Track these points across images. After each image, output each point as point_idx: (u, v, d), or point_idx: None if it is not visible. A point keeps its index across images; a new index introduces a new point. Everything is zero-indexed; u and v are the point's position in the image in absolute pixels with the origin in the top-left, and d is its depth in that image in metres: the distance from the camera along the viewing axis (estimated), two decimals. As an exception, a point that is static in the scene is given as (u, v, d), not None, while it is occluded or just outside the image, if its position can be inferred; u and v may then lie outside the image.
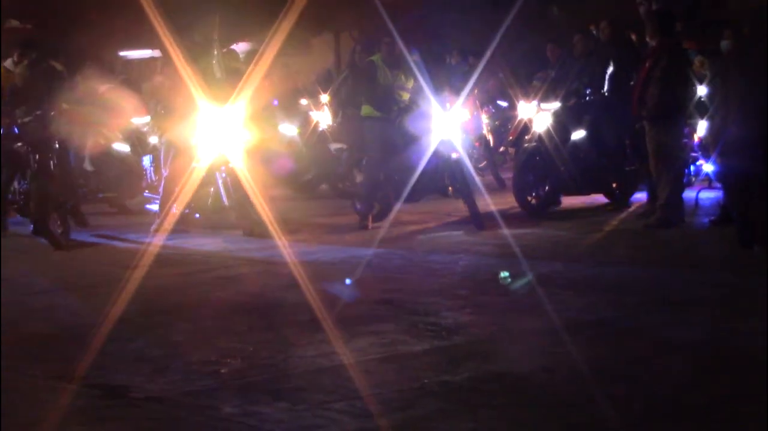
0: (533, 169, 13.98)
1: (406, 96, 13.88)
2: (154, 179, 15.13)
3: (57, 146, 13.52)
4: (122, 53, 22.83)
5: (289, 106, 16.93)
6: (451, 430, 5.71)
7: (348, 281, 12.93)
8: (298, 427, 5.86)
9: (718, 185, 13.38)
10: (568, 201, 14.50)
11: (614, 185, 14.50)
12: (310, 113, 17.08)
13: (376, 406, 6.05)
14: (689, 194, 13.38)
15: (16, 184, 14.05)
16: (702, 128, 13.71)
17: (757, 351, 6.82)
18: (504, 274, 10.16)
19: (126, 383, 6.81)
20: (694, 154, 14.52)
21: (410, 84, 13.91)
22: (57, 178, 13.17)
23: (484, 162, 18.48)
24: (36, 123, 13.19)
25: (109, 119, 15.72)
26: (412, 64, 13.75)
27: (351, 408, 6.06)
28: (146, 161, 15.45)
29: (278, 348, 7.56)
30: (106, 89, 15.79)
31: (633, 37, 14.49)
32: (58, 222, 13.13)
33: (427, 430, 5.74)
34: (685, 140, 13.80)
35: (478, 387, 6.43)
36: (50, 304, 9.49)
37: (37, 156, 13.19)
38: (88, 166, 15.77)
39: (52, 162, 13.08)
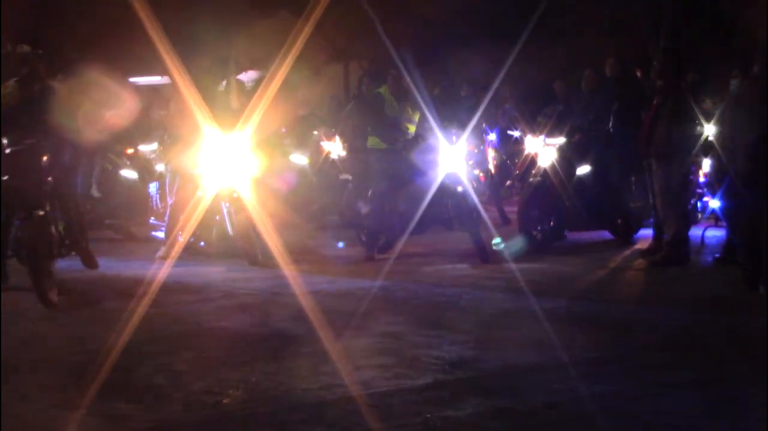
0: (538, 203, 13.98)
1: (412, 129, 13.92)
2: (159, 206, 15.13)
3: (62, 175, 12.42)
4: (132, 79, 22.82)
5: (299, 135, 16.98)
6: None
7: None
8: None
9: (724, 222, 13.38)
10: (573, 236, 14.47)
11: (619, 222, 14.48)
12: (321, 143, 17.13)
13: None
14: (695, 231, 13.36)
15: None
16: (707, 165, 13.68)
17: (757, 392, 6.82)
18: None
19: (128, 412, 6.80)
20: (699, 190, 14.47)
21: (417, 116, 13.94)
22: (52, 221, 11.39)
23: (487, 194, 18.45)
24: (26, 154, 11.50)
25: (115, 145, 15.82)
26: (419, 97, 13.77)
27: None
28: (152, 188, 15.45)
29: (281, 379, 7.55)
30: (111, 115, 15.83)
31: (639, 74, 14.43)
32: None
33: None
34: (691, 177, 13.76)
35: (480, 422, 6.43)
36: (54, 332, 9.48)
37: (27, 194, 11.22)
38: (95, 192, 15.81)
39: (47, 201, 11.28)
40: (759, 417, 6.30)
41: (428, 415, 6.58)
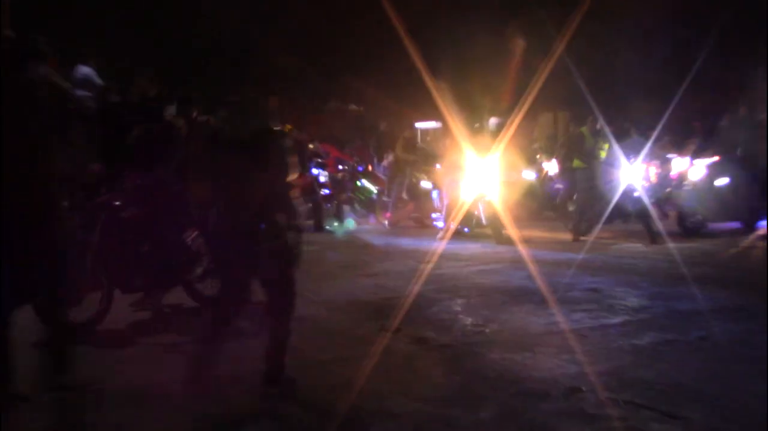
0: (690, 203, 13.56)
1: (603, 154, 13.69)
2: (439, 206, 15.31)
3: None
4: (417, 125, 23.03)
5: (529, 158, 16.95)
6: (629, 378, 5.62)
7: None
8: (534, 375, 5.87)
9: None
10: (713, 226, 13.91)
11: (746, 215, 13.86)
12: (542, 164, 17.00)
13: (587, 358, 6.05)
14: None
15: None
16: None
17: None
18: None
19: (425, 335, 6.97)
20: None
21: (606, 146, 13.71)
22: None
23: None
24: None
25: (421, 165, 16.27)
26: (609, 134, 13.58)
27: (569, 359, 6.07)
28: (435, 194, 15.64)
29: (521, 317, 7.61)
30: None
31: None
32: None
33: (619, 376, 5.66)
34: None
35: (655, 348, 6.41)
36: (376, 284, 9.71)
37: None
38: (404, 195, 16.22)
39: None
40: None
41: (620, 342, 6.52)
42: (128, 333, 7.27)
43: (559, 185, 15.74)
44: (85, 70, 11.77)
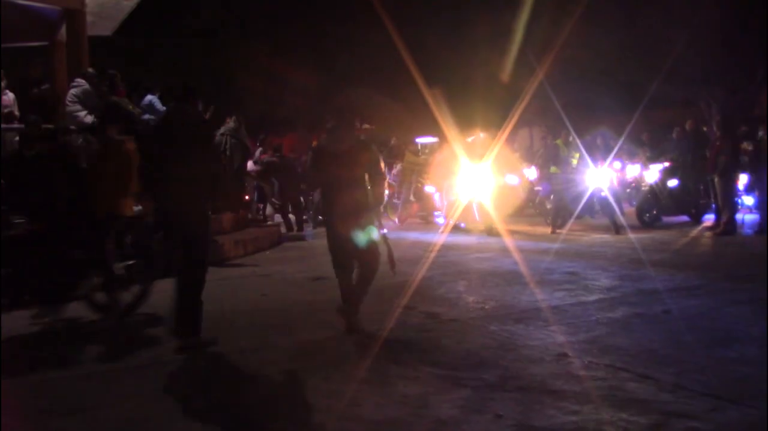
0: (647, 201, 13.48)
1: (575, 161, 13.65)
2: (440, 205, 15.24)
3: None
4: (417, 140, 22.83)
5: (512, 165, 16.86)
6: (606, 345, 5.58)
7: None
8: (528, 343, 5.82)
9: (755, 211, 12.71)
10: (666, 219, 13.83)
11: (693, 210, 13.79)
12: (523, 170, 16.93)
13: (570, 329, 6.01)
14: (738, 216, 12.56)
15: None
16: (744, 179, 12.91)
17: None
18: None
19: (437, 311, 6.93)
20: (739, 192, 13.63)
21: (577, 155, 13.67)
22: None
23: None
24: None
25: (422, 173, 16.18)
26: (579, 145, 13.53)
27: (556, 330, 6.03)
28: (436, 195, 15.55)
29: (513, 295, 7.56)
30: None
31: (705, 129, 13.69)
32: None
33: (598, 343, 5.62)
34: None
35: (627, 320, 6.34)
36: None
37: None
38: (411, 198, 16.15)
39: None
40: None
41: (597, 316, 6.47)
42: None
43: (538, 188, 15.67)
44: (149, 97, 11.77)
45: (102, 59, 12.82)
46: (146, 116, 11.22)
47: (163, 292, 6.50)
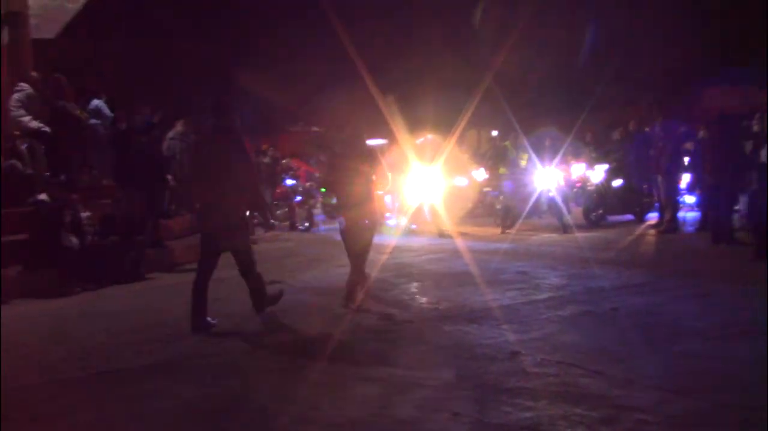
0: (593, 201, 13.76)
1: (524, 163, 13.84)
2: (392, 208, 15.25)
3: None
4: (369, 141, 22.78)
5: (461, 167, 16.99)
6: (558, 343, 5.71)
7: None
8: (482, 342, 5.91)
9: (696, 209, 13.08)
10: (612, 218, 14.14)
11: (637, 209, 14.14)
12: (472, 172, 17.09)
13: (522, 327, 6.13)
14: (680, 215, 12.91)
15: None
16: (687, 178, 13.27)
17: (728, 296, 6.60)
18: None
19: (391, 312, 7.01)
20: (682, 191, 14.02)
21: (526, 156, 13.87)
22: None
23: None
24: None
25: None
26: (527, 145, 13.74)
27: (508, 329, 6.14)
28: (388, 198, 15.51)
29: (466, 296, 7.64)
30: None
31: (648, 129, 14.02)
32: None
33: (550, 341, 5.74)
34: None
35: (576, 318, 6.49)
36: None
37: None
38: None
39: None
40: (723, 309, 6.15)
41: (548, 314, 6.61)
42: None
43: (487, 189, 15.86)
44: (96, 102, 11.58)
45: (48, 62, 12.51)
46: (93, 121, 11.04)
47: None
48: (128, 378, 5.28)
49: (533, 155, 13.65)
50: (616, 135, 15.80)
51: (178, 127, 12.95)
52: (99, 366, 5.64)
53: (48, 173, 10.60)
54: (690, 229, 12.49)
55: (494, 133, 21.85)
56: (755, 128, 12.69)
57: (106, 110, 11.44)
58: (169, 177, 11.64)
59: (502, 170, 14.29)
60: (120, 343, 6.36)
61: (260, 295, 6.97)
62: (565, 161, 16.15)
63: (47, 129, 10.44)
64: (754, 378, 4.48)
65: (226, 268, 9.84)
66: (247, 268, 6.87)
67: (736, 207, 10.89)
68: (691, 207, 13.85)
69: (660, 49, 18.96)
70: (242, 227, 6.95)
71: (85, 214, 9.66)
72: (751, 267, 8.43)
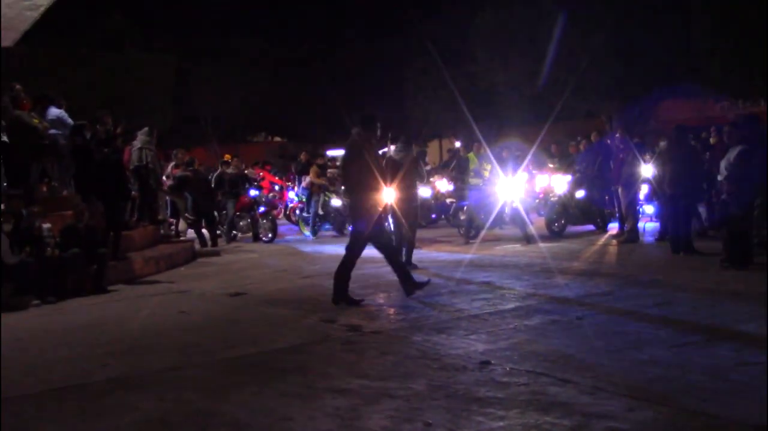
0: (556, 212, 13.93)
1: (487, 173, 13.94)
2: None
3: None
4: (328, 152, 22.79)
5: (423, 178, 17.08)
6: (526, 352, 5.75)
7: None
8: (451, 352, 5.94)
9: (656, 219, 13.32)
10: (573, 229, 14.33)
11: (599, 220, 14.36)
12: (435, 182, 17.20)
13: (490, 337, 6.17)
14: (640, 225, 13.14)
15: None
16: (645, 189, 13.50)
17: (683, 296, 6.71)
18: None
19: (359, 323, 6.99)
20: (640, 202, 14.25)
21: (489, 167, 13.96)
22: None
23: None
24: None
25: (330, 187, 16.14)
26: (491, 157, 13.84)
27: (477, 338, 6.17)
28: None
29: (433, 306, 7.67)
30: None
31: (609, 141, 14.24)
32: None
33: (518, 350, 5.78)
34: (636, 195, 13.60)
35: (544, 326, 6.53)
36: (312, 283, 9.67)
37: None
38: (320, 211, 16.06)
39: None
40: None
41: (515, 324, 6.67)
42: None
43: (450, 199, 15.97)
44: (56, 111, 11.37)
45: (8, 71, 12.28)
46: (53, 131, 10.85)
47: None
48: (90, 393, 5.19)
49: (496, 166, 13.75)
50: (575, 146, 16.03)
51: (142, 136, 12.79)
52: (59, 380, 5.53)
53: (6, 185, 10.40)
54: (650, 239, 12.72)
55: (457, 144, 22.06)
56: (712, 140, 13.04)
57: (68, 119, 11.25)
58: (133, 188, 11.52)
59: (474, 181, 14.32)
60: (81, 357, 6.27)
61: (406, 278, 8.17)
62: (528, 172, 16.36)
63: (5, 139, 10.24)
64: (714, 385, 4.58)
65: (193, 280, 9.80)
66: (385, 252, 8.34)
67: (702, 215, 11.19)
68: (650, 217, 14.11)
69: (617, 63, 19.35)
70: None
71: (45, 225, 9.49)
72: (711, 276, 8.62)
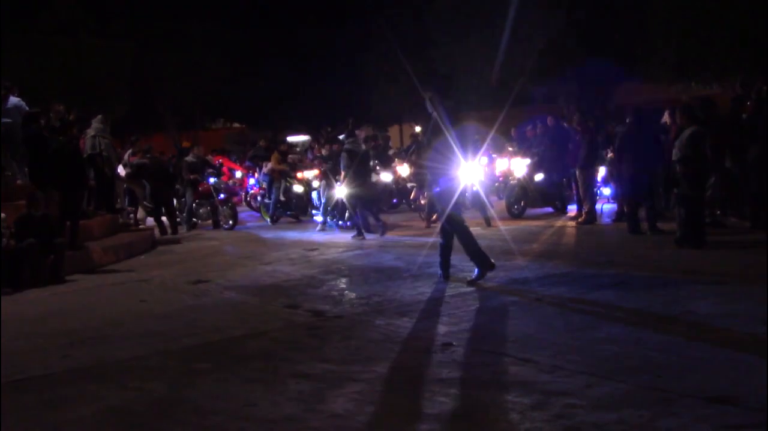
0: (515, 195, 14.06)
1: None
2: (317, 204, 15.20)
3: None
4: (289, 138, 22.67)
5: (386, 163, 17.12)
6: (487, 333, 5.82)
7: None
8: (414, 335, 6.00)
9: (613, 200, 13.51)
10: (533, 211, 14.47)
11: (557, 202, 14.55)
12: (397, 168, 17.22)
13: (452, 319, 6.25)
14: (597, 206, 13.32)
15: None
16: (603, 171, 13.69)
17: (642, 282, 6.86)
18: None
19: (322, 308, 7.02)
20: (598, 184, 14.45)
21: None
22: None
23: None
24: None
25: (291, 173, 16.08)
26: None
27: (439, 321, 6.23)
28: (314, 194, 15.48)
29: (395, 290, 7.74)
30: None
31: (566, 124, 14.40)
32: None
33: (479, 331, 5.86)
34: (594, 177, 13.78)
35: (503, 307, 6.59)
36: (274, 269, 9.68)
37: None
38: (281, 197, 15.99)
39: None
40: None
41: (475, 306, 6.76)
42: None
43: (411, 184, 16.03)
44: (14, 100, 11.15)
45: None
46: (6, 120, 10.64)
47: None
48: (51, 384, 5.14)
49: (458, 149, 13.81)
50: (532, 130, 16.17)
51: (96, 123, 12.60)
52: (18, 372, 5.47)
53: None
54: (607, 220, 12.93)
55: (417, 128, 22.10)
56: (666, 120, 13.25)
57: (25, 107, 11.04)
58: (90, 176, 11.36)
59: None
60: (41, 348, 6.20)
61: (480, 257, 8.00)
62: (487, 156, 16.45)
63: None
64: (669, 361, 4.72)
65: (153, 268, 9.72)
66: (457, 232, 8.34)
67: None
68: (607, 199, 14.34)
69: (575, 46, 19.56)
70: None
71: (-1, 216, 9.33)
72: (666, 256, 8.81)
